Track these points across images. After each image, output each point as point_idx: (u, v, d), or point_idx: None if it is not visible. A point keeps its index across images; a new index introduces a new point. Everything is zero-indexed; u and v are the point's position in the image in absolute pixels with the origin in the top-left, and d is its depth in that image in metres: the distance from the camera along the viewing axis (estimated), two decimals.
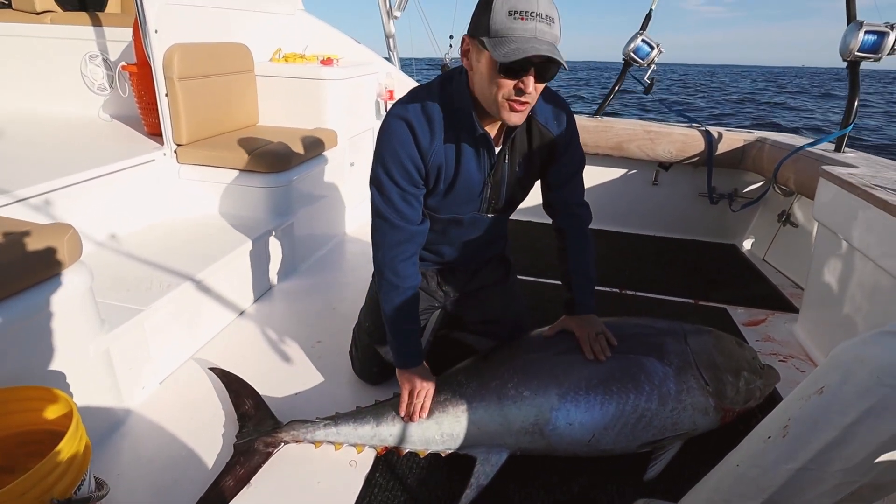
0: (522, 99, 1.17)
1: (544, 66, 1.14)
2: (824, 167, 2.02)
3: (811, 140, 2.67)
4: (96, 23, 2.76)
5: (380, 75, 3.25)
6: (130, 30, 2.64)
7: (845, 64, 2.35)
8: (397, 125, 1.29)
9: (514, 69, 1.12)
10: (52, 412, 1.12)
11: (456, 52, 3.74)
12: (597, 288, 1.59)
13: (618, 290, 2.50)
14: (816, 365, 1.97)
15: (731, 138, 2.98)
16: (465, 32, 1.22)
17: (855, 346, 0.86)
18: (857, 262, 1.83)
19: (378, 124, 3.22)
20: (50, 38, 2.81)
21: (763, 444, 0.96)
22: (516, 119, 1.22)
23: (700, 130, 3.03)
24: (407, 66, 3.78)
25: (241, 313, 2.12)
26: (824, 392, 0.87)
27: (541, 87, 1.19)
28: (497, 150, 1.37)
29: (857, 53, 2.26)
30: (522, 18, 1.08)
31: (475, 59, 1.20)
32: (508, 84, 1.15)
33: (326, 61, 2.84)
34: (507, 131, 1.36)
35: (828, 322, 2.02)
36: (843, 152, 2.46)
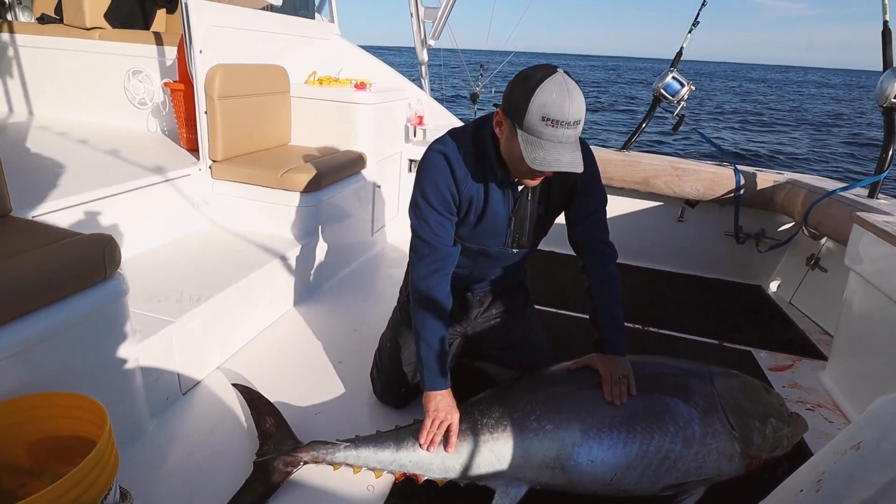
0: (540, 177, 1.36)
1: None
2: (858, 213, 2.00)
3: (844, 184, 2.64)
4: (141, 40, 2.87)
5: (410, 101, 3.32)
6: (173, 48, 2.74)
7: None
8: (437, 158, 1.42)
9: None
10: (83, 419, 1.14)
11: (486, 77, 3.81)
12: None
13: (640, 327, 2.48)
14: (845, 415, 1.92)
15: (761, 178, 2.97)
16: (500, 104, 1.32)
17: (895, 402, 0.84)
18: (891, 312, 1.79)
19: (406, 148, 3.32)
20: (97, 53, 2.93)
21: (794, 498, 0.93)
22: (534, 184, 1.40)
23: (729, 169, 3.02)
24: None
25: (265, 329, 2.15)
26: (861, 448, 0.85)
27: None
28: (520, 188, 1.46)
29: (892, 100, 2.26)
30: (553, 126, 1.19)
31: (507, 135, 1.30)
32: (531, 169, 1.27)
33: (360, 85, 2.90)
34: None
35: (859, 372, 1.97)
36: (877, 198, 2.43)
